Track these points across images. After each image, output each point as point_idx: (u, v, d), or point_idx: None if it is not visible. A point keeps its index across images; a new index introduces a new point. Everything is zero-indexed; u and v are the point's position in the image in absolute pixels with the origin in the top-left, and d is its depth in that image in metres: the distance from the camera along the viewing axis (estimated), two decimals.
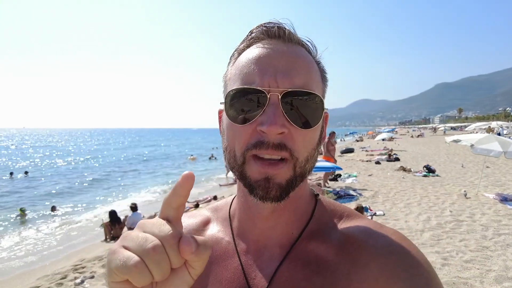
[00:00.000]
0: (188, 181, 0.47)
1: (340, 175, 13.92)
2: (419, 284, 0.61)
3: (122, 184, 22.67)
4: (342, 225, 0.73)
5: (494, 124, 51.55)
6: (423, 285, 0.61)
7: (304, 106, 0.64)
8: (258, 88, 0.62)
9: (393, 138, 42.28)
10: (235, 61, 0.71)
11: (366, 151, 27.60)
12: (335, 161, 12.64)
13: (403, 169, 15.35)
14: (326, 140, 12.63)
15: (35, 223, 12.96)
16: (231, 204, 0.85)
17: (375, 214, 8.06)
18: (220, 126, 0.75)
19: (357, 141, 47.22)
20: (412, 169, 15.19)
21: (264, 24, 0.70)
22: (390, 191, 10.75)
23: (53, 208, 14.42)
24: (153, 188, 20.19)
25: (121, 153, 51.96)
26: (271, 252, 0.72)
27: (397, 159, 19.31)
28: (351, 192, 10.60)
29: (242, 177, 0.66)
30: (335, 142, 13.35)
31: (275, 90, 0.62)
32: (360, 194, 10.38)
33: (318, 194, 0.80)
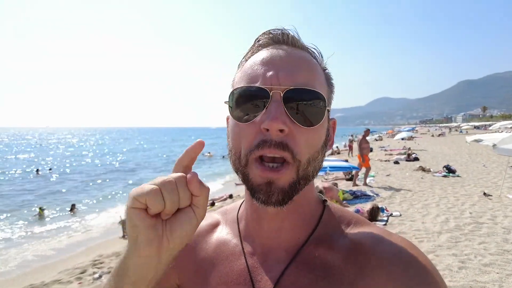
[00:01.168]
0: (199, 146, 0.59)
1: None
2: None
3: (142, 180, 23.16)
4: (350, 231, 0.73)
5: None
6: None
7: (306, 104, 0.64)
8: (260, 86, 0.63)
9: (413, 137, 41.36)
10: (242, 67, 0.73)
11: (385, 150, 27.12)
12: (365, 160, 12.23)
13: (422, 169, 15.00)
14: (361, 137, 12.37)
15: (55, 220, 13.41)
16: (239, 207, 0.87)
17: (391, 215, 7.91)
18: (228, 129, 0.76)
19: (376, 140, 46.38)
20: (431, 169, 14.83)
21: (269, 30, 0.72)
22: (407, 192, 10.54)
23: (73, 206, 14.74)
24: None
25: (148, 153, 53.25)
26: (277, 255, 0.73)
27: (416, 159, 18.89)
28: (368, 193, 10.44)
29: (245, 179, 0.67)
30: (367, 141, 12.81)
31: (277, 88, 0.62)
32: (377, 194, 10.22)
33: (326, 200, 0.80)
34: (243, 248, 0.77)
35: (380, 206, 8.02)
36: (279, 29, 0.71)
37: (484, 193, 8.90)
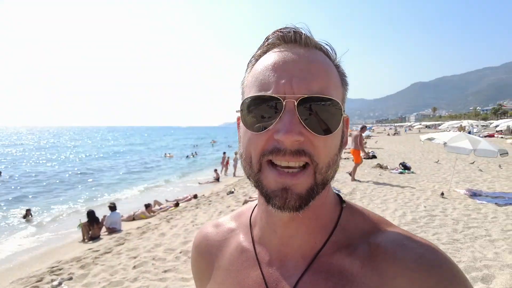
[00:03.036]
0: None
1: None
2: None
3: (101, 183, 22.21)
4: (369, 235, 0.68)
5: (465, 122, 53.48)
6: None
7: (322, 112, 0.61)
8: (273, 95, 0.60)
9: (370, 136, 43.25)
10: (252, 67, 0.69)
11: (345, 149, 28.07)
12: (362, 155, 12.73)
13: (380, 166, 15.70)
14: (358, 133, 12.75)
15: (3, 226, 12.52)
16: (253, 210, 0.84)
17: None
18: (238, 132, 0.73)
19: None
20: (388, 166, 15.57)
21: (280, 29, 0.68)
22: (367, 188, 11.02)
23: (27, 212, 13.51)
24: (132, 187, 19.94)
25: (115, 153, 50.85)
26: (293, 262, 0.70)
27: (374, 157, 19.76)
28: None
29: (258, 185, 0.65)
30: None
31: (291, 96, 0.59)
32: (339, 191, 10.58)
33: (344, 202, 0.76)
34: (257, 255, 0.75)
35: None
36: (289, 28, 0.67)
37: (442, 194, 9.47)
